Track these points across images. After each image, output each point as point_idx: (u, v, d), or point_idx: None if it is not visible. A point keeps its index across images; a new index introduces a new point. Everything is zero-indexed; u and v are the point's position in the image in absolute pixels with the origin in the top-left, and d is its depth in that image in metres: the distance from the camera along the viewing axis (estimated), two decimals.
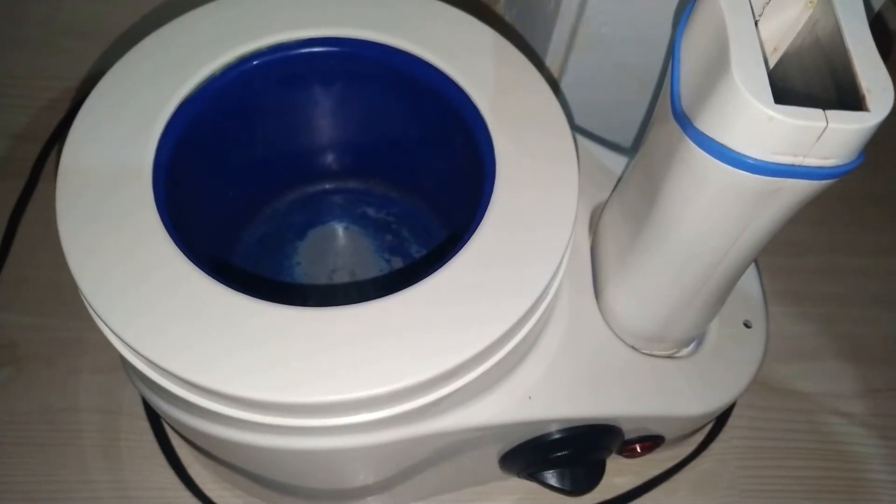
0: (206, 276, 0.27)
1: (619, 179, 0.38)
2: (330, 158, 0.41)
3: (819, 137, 0.22)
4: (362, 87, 0.36)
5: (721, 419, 0.44)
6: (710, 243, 0.29)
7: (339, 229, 0.42)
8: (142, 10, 0.56)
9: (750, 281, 0.40)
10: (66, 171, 0.29)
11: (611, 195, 0.38)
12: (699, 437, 0.43)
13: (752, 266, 0.41)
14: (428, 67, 0.33)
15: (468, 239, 0.28)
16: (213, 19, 0.34)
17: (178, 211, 0.30)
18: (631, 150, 0.42)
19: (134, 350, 0.26)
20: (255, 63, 0.33)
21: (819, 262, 0.51)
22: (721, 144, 0.24)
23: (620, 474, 0.42)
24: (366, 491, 0.38)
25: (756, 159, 0.23)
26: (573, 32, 0.42)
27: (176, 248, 0.27)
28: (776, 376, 0.46)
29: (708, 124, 0.24)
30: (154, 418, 0.41)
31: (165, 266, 0.27)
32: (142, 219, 0.28)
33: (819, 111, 0.22)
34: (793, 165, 0.23)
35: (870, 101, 0.23)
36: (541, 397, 0.32)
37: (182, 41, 0.33)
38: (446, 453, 0.33)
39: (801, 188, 0.24)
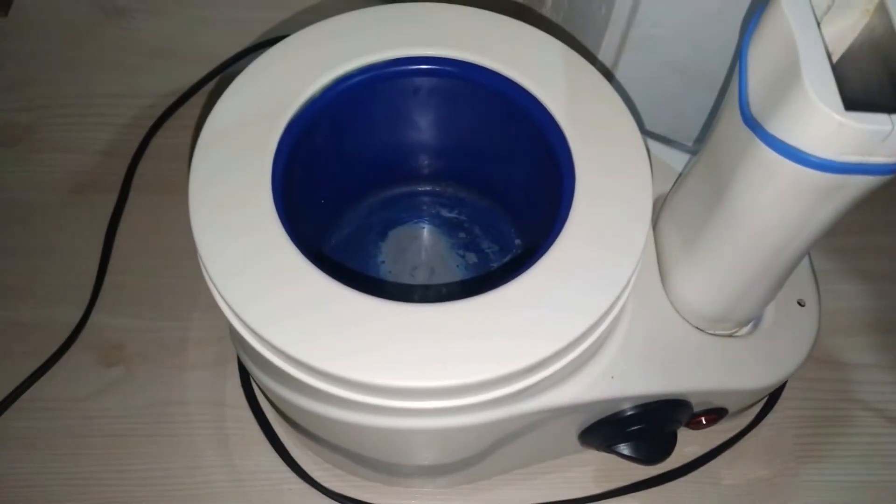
0: (339, 282, 0.31)
1: (680, 174, 0.41)
2: (415, 166, 0.44)
3: (885, 139, 0.25)
4: (452, 103, 0.39)
5: (776, 391, 0.47)
6: (776, 234, 0.32)
7: (417, 229, 0.45)
8: (197, 32, 0.60)
9: (802, 262, 0.43)
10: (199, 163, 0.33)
11: (673, 186, 0.41)
12: (756, 410, 0.46)
13: None
14: (511, 85, 0.36)
15: (551, 244, 0.32)
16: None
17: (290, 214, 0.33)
18: (675, 141, 0.45)
19: (262, 338, 0.30)
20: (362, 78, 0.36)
21: (858, 242, 0.53)
22: (792, 146, 0.27)
23: (688, 444, 0.45)
24: (454, 467, 0.42)
25: (826, 159, 0.26)
26: (625, 34, 0.45)
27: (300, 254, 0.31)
28: (825, 350, 0.49)
29: (779, 127, 0.27)
30: (256, 407, 0.44)
31: (292, 271, 0.31)
32: (264, 221, 0.32)
33: (885, 116, 0.25)
34: (859, 163, 0.26)
35: None
36: (621, 377, 0.36)
37: (303, 54, 0.36)
38: (535, 429, 0.37)
39: (866, 183, 0.27)
